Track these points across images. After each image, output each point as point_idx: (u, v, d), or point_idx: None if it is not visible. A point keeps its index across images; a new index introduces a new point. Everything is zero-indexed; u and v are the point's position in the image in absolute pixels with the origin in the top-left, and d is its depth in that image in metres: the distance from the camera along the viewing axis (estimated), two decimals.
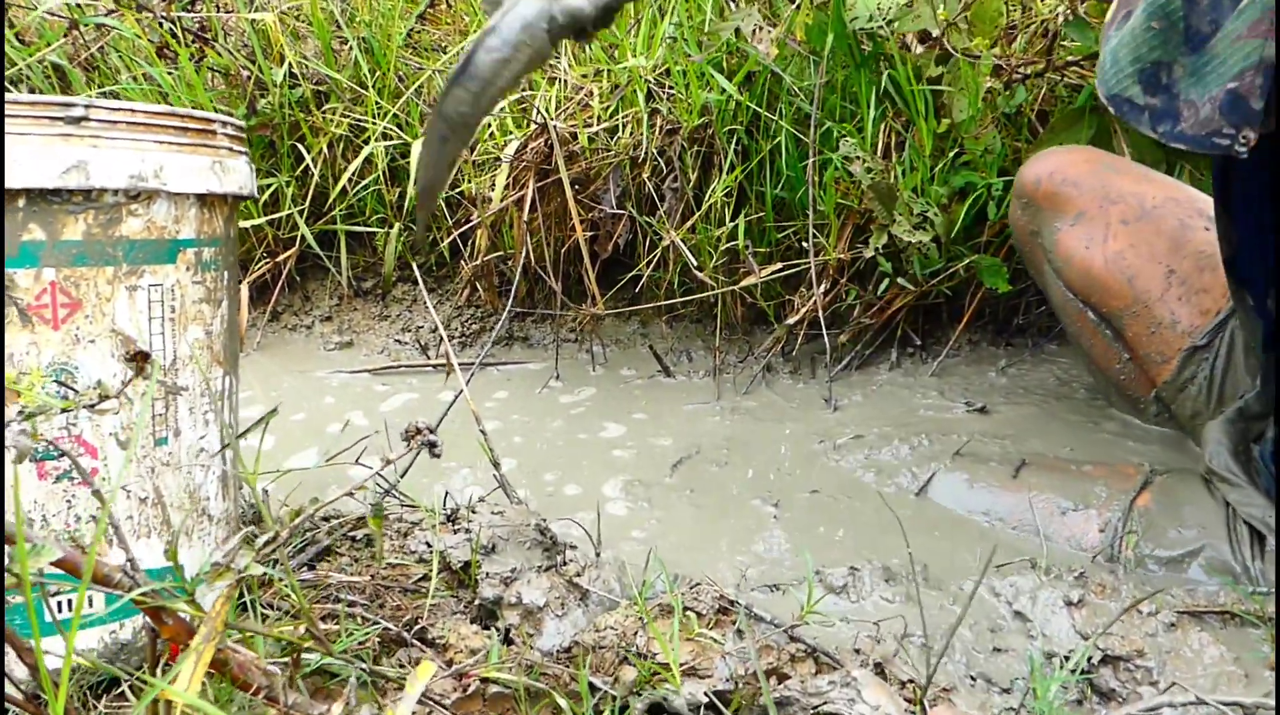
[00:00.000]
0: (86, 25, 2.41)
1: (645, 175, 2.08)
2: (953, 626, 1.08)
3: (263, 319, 2.38)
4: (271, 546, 0.64)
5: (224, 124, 1.00)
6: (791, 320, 2.05)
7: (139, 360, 0.80)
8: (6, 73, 2.35)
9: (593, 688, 1.03)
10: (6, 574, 0.55)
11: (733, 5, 2.19)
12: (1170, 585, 1.28)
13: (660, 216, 2.10)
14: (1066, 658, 1.14)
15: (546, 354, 2.27)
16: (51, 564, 0.56)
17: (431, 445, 0.70)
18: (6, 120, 0.82)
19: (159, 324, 0.96)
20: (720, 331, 2.16)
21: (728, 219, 2.07)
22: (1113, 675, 1.10)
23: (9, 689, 0.72)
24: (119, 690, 0.97)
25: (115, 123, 0.89)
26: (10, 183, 0.83)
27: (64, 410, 0.74)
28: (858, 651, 1.12)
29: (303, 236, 2.33)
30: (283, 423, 1.91)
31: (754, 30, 1.85)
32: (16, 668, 0.91)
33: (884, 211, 1.90)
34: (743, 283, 2.05)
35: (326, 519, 1.44)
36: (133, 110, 0.90)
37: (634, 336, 2.30)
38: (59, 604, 0.96)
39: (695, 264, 2.04)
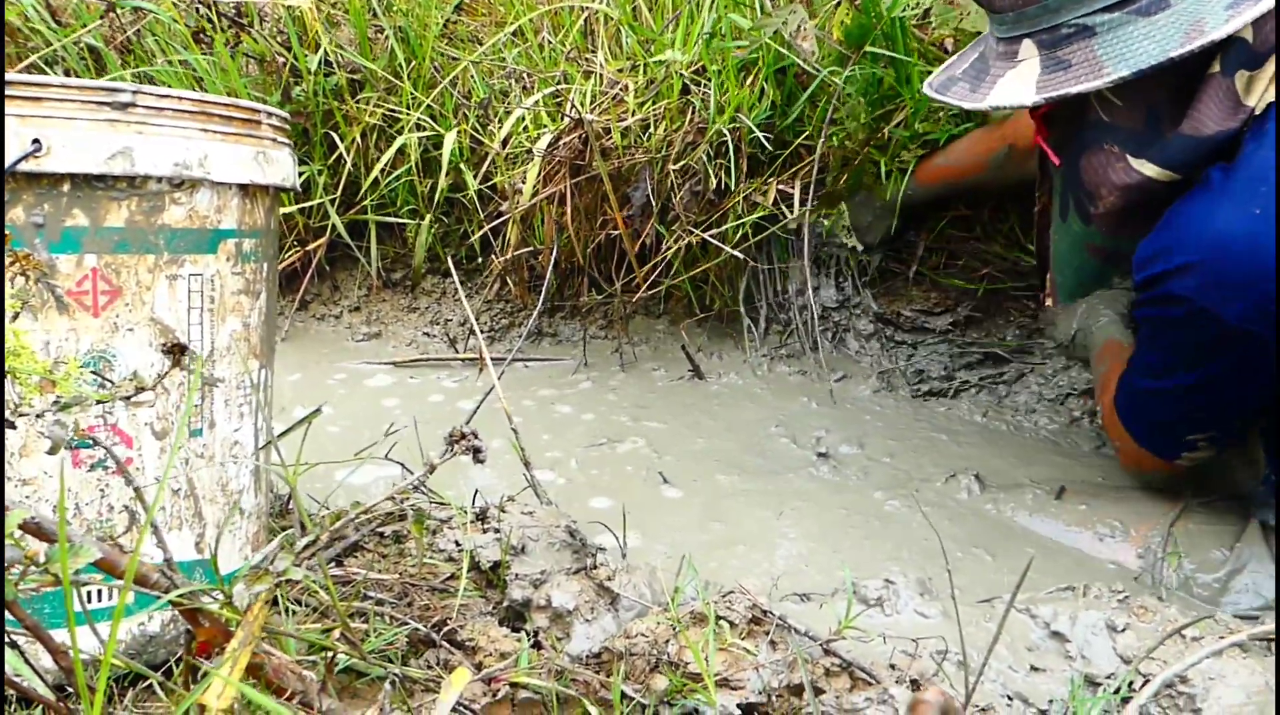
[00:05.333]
0: (123, 8, 2.40)
1: (673, 168, 2.05)
2: (990, 644, 1.06)
3: (291, 308, 2.37)
4: (312, 551, 0.62)
5: (269, 115, 0.99)
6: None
7: (176, 352, 0.78)
8: (42, 53, 2.35)
9: (623, 696, 1.01)
10: (45, 572, 0.53)
11: (770, 3, 2.17)
12: (1215, 609, 1.25)
13: (677, 215, 2.07)
14: (1107, 680, 1.12)
15: (575, 350, 2.25)
16: (90, 563, 0.54)
17: (476, 451, 0.69)
18: (55, 104, 0.80)
19: (198, 314, 0.94)
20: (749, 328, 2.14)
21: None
22: (1153, 701, 1.08)
23: (38, 686, 0.71)
24: (147, 683, 0.96)
25: (161, 110, 0.87)
26: (55, 167, 0.82)
27: (100, 401, 0.72)
28: (893, 667, 1.09)
29: (333, 226, 2.32)
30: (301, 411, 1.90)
31: (798, 27, 1.82)
32: (43, 658, 0.90)
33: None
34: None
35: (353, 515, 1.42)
36: (179, 98, 0.89)
37: (664, 336, 2.28)
38: (87, 593, 0.95)
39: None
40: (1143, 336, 1.39)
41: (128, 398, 0.71)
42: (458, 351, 2.26)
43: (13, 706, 0.89)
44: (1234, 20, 1.13)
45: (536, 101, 2.14)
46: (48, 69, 2.37)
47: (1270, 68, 1.18)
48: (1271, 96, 1.18)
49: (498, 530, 1.27)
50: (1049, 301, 1.55)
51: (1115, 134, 1.28)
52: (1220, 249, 1.14)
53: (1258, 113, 1.18)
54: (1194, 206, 1.19)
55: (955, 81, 1.42)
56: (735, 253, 2.03)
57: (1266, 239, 1.10)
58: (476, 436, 0.70)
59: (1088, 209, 1.34)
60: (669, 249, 2.07)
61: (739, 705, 1.01)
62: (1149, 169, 1.25)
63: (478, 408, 1.52)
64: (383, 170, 2.26)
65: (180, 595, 0.58)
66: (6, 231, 0.77)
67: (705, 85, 2.05)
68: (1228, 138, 1.18)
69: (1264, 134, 1.17)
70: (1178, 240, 1.19)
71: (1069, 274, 1.47)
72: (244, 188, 0.97)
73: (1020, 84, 1.28)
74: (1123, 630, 1.17)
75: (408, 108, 2.27)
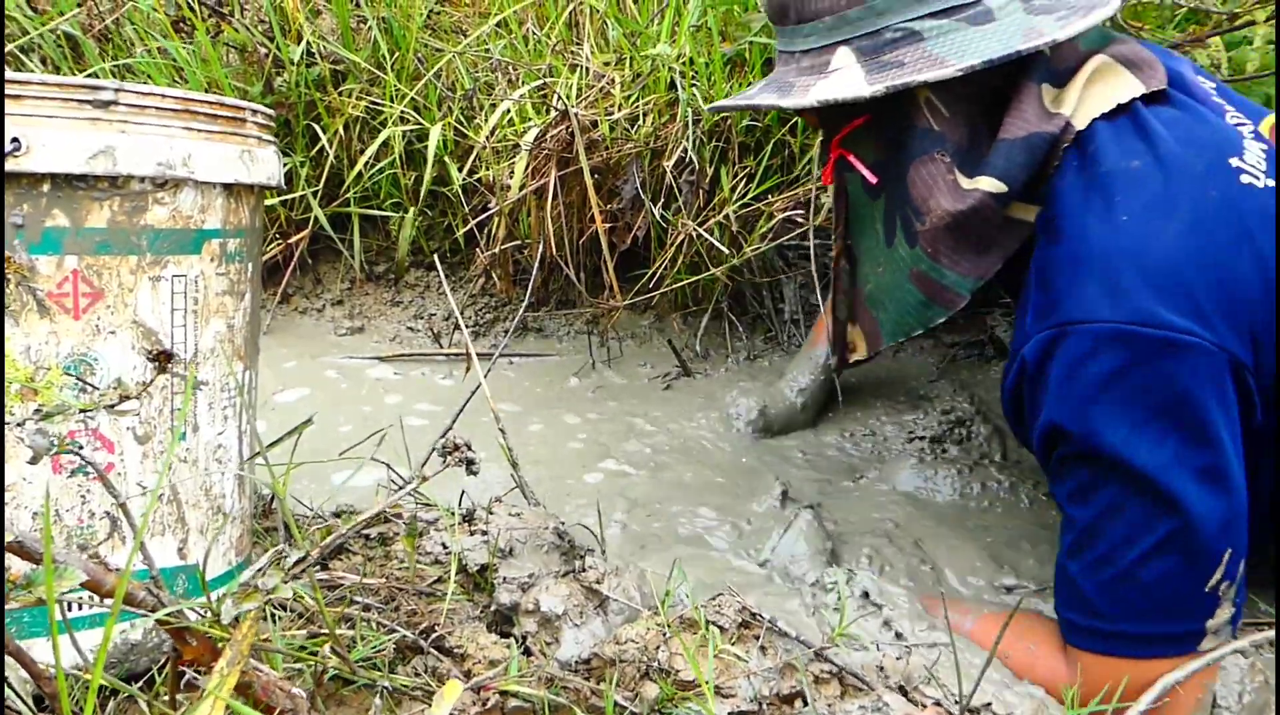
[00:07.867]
0: None
1: (667, 166, 2.04)
2: (986, 662, 1.05)
3: (273, 301, 2.34)
4: (302, 567, 0.60)
5: (254, 113, 0.96)
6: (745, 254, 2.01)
7: (162, 359, 0.76)
8: (18, 42, 2.30)
9: (615, 704, 1.00)
10: (28, 594, 0.52)
11: None
12: None
13: (678, 207, 2.05)
14: None
15: (561, 346, 2.23)
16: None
17: (469, 462, 0.67)
18: (35, 102, 0.78)
19: (181, 316, 0.92)
20: (732, 328, 2.12)
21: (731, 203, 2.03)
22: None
23: (18, 704, 0.69)
24: (128, 694, 0.94)
25: (144, 108, 0.85)
26: (35, 167, 0.80)
27: (83, 411, 0.70)
28: (881, 669, 1.09)
29: (316, 218, 2.29)
30: (290, 409, 1.88)
31: None
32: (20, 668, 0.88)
33: None
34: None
35: (338, 514, 1.41)
36: (163, 96, 0.86)
37: (650, 331, 2.27)
38: (67, 603, 0.93)
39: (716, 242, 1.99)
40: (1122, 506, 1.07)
41: (112, 407, 0.69)
42: (442, 346, 2.24)
43: None
44: (1068, 27, 1.12)
45: (522, 95, 2.12)
46: (24, 58, 2.33)
47: (1073, 88, 1.17)
48: (1089, 110, 1.16)
49: (485, 532, 1.25)
50: (860, 351, 1.41)
51: (945, 144, 1.22)
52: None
53: (1079, 127, 1.15)
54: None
55: (754, 95, 1.31)
56: (732, 262, 2.01)
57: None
58: (470, 448, 0.68)
59: (914, 226, 1.25)
60: (669, 247, 2.05)
61: (731, 714, 1.00)
62: (986, 183, 1.18)
63: (465, 405, 1.50)
64: (366, 163, 2.23)
65: (168, 614, 0.57)
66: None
67: (694, 79, 2.04)
68: (1042, 141, 1.15)
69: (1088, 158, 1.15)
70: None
71: (891, 309, 1.33)
72: (228, 187, 0.95)
73: (849, 80, 1.20)
74: None
75: (391, 100, 2.25)
